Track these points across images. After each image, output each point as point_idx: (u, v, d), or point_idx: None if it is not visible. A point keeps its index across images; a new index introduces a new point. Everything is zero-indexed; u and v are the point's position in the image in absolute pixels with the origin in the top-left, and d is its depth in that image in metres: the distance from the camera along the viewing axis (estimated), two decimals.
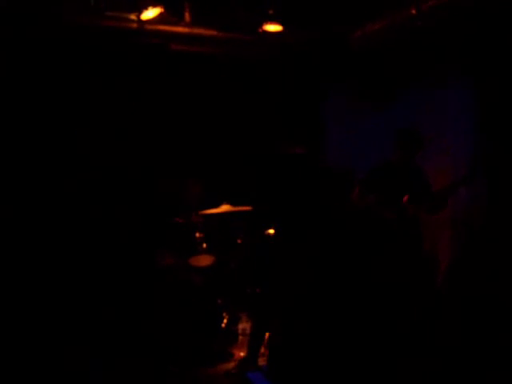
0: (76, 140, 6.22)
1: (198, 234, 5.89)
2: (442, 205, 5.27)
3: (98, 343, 4.94)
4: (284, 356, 4.48)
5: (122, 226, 6.09)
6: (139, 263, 5.71)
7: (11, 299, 5.22)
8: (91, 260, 5.82)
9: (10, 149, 5.85)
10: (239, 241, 5.92)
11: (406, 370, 4.30)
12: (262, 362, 4.85)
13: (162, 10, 5.60)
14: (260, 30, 6.03)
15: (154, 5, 5.55)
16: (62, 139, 6.16)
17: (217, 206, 5.87)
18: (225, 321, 5.33)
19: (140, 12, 5.65)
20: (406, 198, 5.13)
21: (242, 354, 5.06)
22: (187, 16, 5.98)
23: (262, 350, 4.99)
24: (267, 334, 4.96)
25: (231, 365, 4.90)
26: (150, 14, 5.63)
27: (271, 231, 6.00)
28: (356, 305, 4.90)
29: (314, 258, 5.36)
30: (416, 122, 6.05)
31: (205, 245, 5.87)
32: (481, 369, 4.18)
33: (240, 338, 5.35)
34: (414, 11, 5.51)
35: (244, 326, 5.40)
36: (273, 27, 5.99)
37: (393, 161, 5.39)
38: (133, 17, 5.80)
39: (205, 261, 5.73)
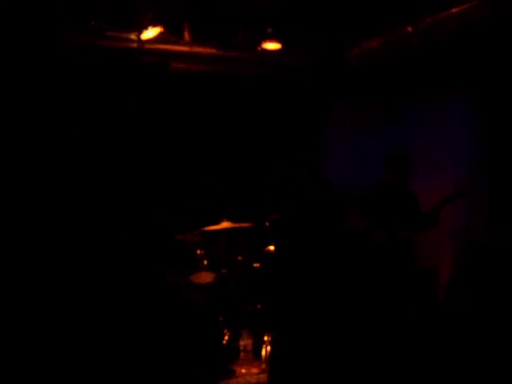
0: (78, 157, 6.25)
1: (198, 251, 5.91)
2: (429, 224, 5.23)
3: (98, 359, 4.92)
4: (285, 372, 4.48)
5: (122, 243, 6.09)
6: (140, 279, 5.71)
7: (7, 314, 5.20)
8: (90, 276, 5.80)
9: (13, 162, 5.87)
10: (240, 258, 5.94)
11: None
12: (263, 378, 4.85)
13: (162, 29, 5.66)
14: (259, 49, 6.11)
15: (154, 24, 5.62)
16: (64, 156, 6.19)
17: (217, 222, 5.90)
18: (226, 338, 5.32)
19: (140, 32, 5.71)
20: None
21: (243, 370, 5.05)
22: (187, 35, 6.05)
23: (264, 366, 4.99)
24: (268, 350, 4.97)
25: (233, 381, 4.88)
26: (150, 33, 5.70)
27: (271, 248, 6.03)
28: (354, 322, 4.93)
29: (312, 276, 5.40)
30: (416, 138, 6.10)
31: (205, 262, 5.88)
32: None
33: (241, 354, 5.33)
34: (410, 29, 5.58)
35: (245, 342, 5.38)
36: (272, 45, 6.06)
37: (388, 183, 5.40)
38: (133, 36, 5.87)
39: (205, 278, 5.73)
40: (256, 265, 5.92)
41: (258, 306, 5.59)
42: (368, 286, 5.12)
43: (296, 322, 4.85)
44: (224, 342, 5.29)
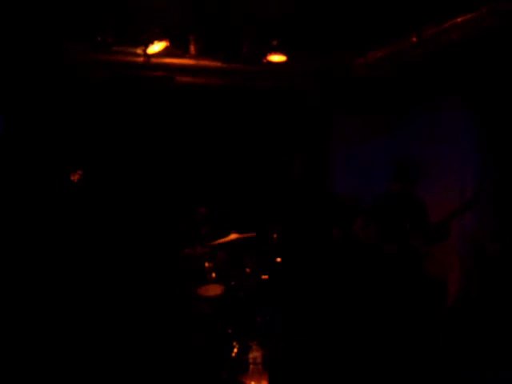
0: (82, 168, 6.28)
1: (206, 264, 5.91)
2: (441, 236, 5.09)
3: (104, 369, 4.91)
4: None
5: (130, 255, 6.10)
6: (148, 292, 5.71)
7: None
8: (96, 286, 5.80)
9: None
10: (248, 270, 5.94)
11: None
12: None
13: (168, 43, 5.70)
14: (264, 61, 6.13)
15: (160, 39, 5.66)
16: (67, 165, 6.22)
17: (225, 235, 5.91)
18: (235, 350, 5.30)
19: (146, 46, 5.75)
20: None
21: (253, 383, 5.03)
22: (192, 48, 6.09)
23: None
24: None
25: None
26: (156, 47, 5.74)
27: (279, 259, 6.04)
28: (362, 332, 4.94)
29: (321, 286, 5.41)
30: (419, 149, 6.08)
31: (214, 274, 5.89)
32: None
33: (251, 367, 5.31)
34: (414, 39, 5.60)
35: (255, 354, 5.36)
36: (277, 57, 6.09)
37: (393, 191, 5.28)
38: (139, 51, 5.91)
39: (214, 290, 5.73)
40: (264, 277, 5.93)
41: (267, 318, 5.58)
42: (377, 297, 5.11)
43: (304, 332, 4.85)
44: (233, 354, 5.28)
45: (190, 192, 6.69)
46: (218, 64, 6.29)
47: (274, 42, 6.00)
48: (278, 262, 6.08)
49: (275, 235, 6.23)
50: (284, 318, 5.53)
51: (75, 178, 6.14)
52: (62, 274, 5.77)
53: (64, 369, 4.75)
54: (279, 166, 7.46)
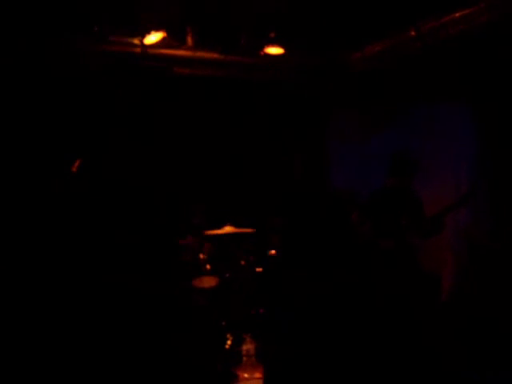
0: (77, 162, 6.26)
1: (201, 256, 5.91)
2: (436, 230, 5.07)
3: (98, 361, 4.91)
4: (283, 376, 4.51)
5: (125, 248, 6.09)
6: (141, 284, 5.71)
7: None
8: (89, 279, 5.80)
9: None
10: (242, 262, 5.94)
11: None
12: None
13: (165, 34, 5.68)
14: (262, 53, 6.12)
15: (157, 29, 5.63)
16: (63, 161, 6.20)
17: (220, 227, 5.91)
18: (229, 342, 5.31)
19: (143, 36, 5.73)
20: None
21: (246, 375, 5.04)
22: (189, 40, 6.07)
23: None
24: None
25: None
26: (153, 38, 5.72)
27: (274, 252, 6.06)
28: (356, 327, 4.95)
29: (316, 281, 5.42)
30: (418, 143, 6.07)
31: (208, 266, 5.89)
32: None
33: (244, 359, 5.31)
34: (413, 33, 5.60)
35: (248, 347, 5.37)
36: (274, 50, 6.07)
37: (388, 186, 5.25)
38: (136, 41, 5.88)
39: (208, 282, 5.74)
40: (259, 269, 5.93)
41: (261, 311, 5.58)
42: (374, 293, 5.11)
43: (299, 326, 4.86)
44: (227, 346, 5.29)
45: (188, 187, 6.67)
46: (215, 56, 6.27)
47: (272, 35, 5.98)
48: (273, 256, 6.08)
49: (271, 231, 6.24)
50: (281, 314, 5.54)
51: (74, 168, 6.13)
52: (57, 268, 5.77)
53: (64, 368, 4.76)
54: (279, 165, 7.44)
